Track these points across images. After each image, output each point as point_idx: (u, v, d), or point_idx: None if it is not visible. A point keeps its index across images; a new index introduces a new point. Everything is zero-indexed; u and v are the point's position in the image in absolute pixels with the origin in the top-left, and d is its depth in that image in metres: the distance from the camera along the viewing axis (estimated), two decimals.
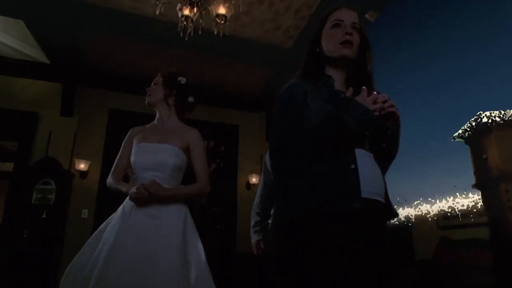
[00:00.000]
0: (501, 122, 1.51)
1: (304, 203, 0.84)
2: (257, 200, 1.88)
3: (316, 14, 3.55)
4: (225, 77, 4.76)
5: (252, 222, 1.86)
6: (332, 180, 0.84)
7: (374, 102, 0.86)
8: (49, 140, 4.07)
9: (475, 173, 1.65)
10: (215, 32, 2.64)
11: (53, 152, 3.99)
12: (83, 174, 3.99)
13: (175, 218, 1.40)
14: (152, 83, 1.65)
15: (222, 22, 2.55)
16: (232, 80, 4.84)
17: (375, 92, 0.88)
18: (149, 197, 1.33)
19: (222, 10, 2.54)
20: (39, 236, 3.52)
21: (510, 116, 1.50)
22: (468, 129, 1.63)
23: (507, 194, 1.45)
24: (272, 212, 1.79)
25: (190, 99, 1.65)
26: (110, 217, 1.47)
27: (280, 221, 0.92)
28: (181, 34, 2.68)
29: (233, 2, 2.50)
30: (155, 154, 1.47)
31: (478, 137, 1.62)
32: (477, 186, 1.62)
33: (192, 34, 2.68)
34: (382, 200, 0.88)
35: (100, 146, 4.27)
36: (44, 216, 3.60)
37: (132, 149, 1.51)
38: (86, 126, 4.28)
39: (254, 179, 4.45)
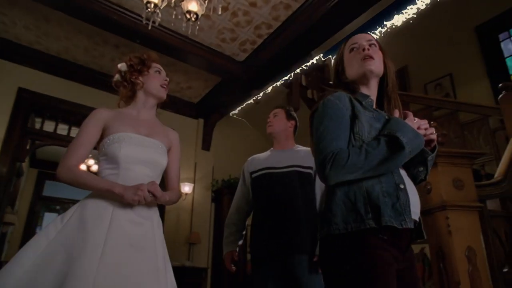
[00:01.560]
0: (446, 157, 1.80)
1: (369, 218, 0.85)
2: (232, 210, 1.78)
3: (275, 34, 3.68)
4: (168, 76, 4.48)
5: (226, 233, 1.74)
6: (386, 199, 0.87)
7: (418, 128, 0.92)
8: None
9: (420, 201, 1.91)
10: (183, 29, 2.48)
11: None
12: None
13: (158, 227, 1.20)
14: (165, 74, 1.45)
15: (193, 19, 2.41)
16: (174, 81, 4.58)
17: (417, 119, 0.95)
18: (145, 201, 1.12)
19: (194, 7, 2.41)
20: None
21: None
22: None
23: (447, 220, 1.73)
24: (246, 223, 1.73)
25: None
26: (59, 220, 1.16)
27: (335, 235, 0.90)
28: (144, 22, 2.43)
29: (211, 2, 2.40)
30: (148, 149, 1.24)
31: None
32: (421, 212, 1.87)
33: (156, 24, 2.45)
34: (417, 219, 0.94)
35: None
36: None
37: (112, 137, 1.22)
38: None
39: (186, 188, 4.22)
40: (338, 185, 0.91)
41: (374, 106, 1.07)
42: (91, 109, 1.34)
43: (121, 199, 1.10)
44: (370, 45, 1.08)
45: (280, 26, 3.60)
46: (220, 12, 2.56)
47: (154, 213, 1.22)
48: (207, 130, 4.93)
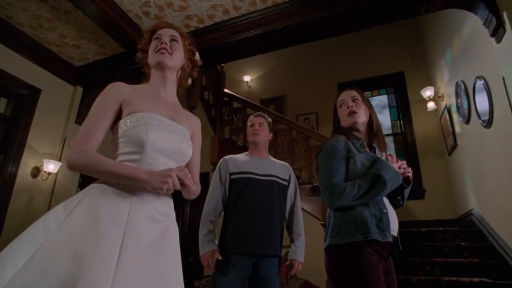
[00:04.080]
0: None
1: (359, 234, 1.19)
2: (210, 207, 1.68)
3: (203, 31, 3.62)
4: (54, 24, 3.55)
5: (205, 231, 1.63)
6: (373, 220, 1.20)
7: (398, 167, 1.29)
8: None
9: None
10: None
11: None
12: None
13: (175, 225, 1.05)
14: (170, 37, 1.16)
15: None
16: (59, 32, 3.67)
17: (398, 160, 1.31)
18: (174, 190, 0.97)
19: None
20: None
21: None
22: None
23: None
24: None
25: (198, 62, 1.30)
26: (61, 209, 0.89)
27: (334, 245, 1.22)
28: None
29: None
30: (176, 137, 1.07)
31: None
32: None
33: None
34: (396, 235, 1.30)
35: None
36: None
37: (136, 116, 1.00)
38: None
39: (51, 166, 3.41)
40: (337, 209, 1.25)
41: (366, 145, 1.43)
42: None
43: (145, 186, 0.94)
44: (353, 100, 1.42)
45: (211, 25, 3.61)
46: None
47: (172, 209, 1.08)
48: (87, 102, 4.14)
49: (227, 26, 3.57)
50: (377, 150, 1.45)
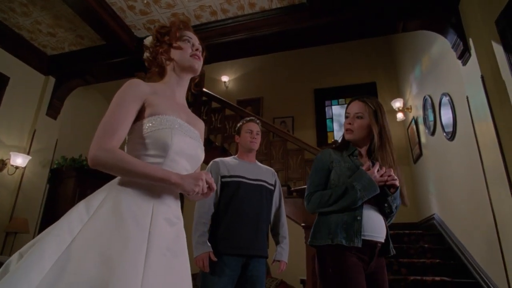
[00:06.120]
0: None
1: (328, 238, 1.31)
2: (204, 209, 1.70)
3: None
4: (30, 8, 3.34)
5: (200, 232, 1.64)
6: (344, 226, 1.31)
7: (382, 175, 1.35)
8: None
9: None
10: None
11: None
12: None
13: (183, 227, 1.10)
14: (199, 43, 1.17)
15: None
16: (33, 18, 3.46)
17: (383, 168, 1.36)
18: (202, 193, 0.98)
19: None
20: None
21: None
22: None
23: None
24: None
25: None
26: (83, 209, 0.87)
27: (314, 246, 1.39)
28: None
29: None
30: (194, 142, 1.06)
31: None
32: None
33: None
34: (382, 240, 1.36)
35: None
36: None
37: (159, 118, 0.99)
38: None
39: (19, 160, 3.20)
40: (319, 214, 1.40)
41: (365, 156, 1.49)
42: None
43: (176, 188, 0.95)
44: (356, 116, 1.45)
45: (198, 25, 3.59)
46: None
47: (180, 212, 1.09)
48: (59, 94, 3.94)
49: (214, 27, 3.58)
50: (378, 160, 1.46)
